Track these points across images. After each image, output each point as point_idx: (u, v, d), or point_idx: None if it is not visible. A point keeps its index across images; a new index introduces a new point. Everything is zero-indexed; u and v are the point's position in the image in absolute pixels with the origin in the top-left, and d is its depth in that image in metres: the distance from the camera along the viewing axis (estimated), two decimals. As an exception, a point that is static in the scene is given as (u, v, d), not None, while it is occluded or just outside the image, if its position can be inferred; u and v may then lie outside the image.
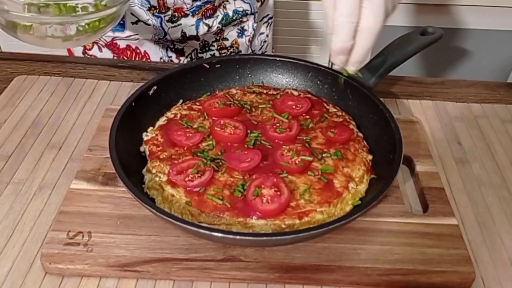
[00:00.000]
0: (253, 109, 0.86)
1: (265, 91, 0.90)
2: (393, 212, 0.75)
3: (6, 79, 1.03)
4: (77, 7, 0.73)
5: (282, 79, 0.94)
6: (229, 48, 1.24)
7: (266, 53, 1.28)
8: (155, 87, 0.84)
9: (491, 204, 0.80)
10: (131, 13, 1.10)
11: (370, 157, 0.78)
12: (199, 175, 0.71)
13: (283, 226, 0.66)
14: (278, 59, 0.93)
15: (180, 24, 1.13)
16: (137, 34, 1.14)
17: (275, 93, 0.90)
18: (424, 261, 0.68)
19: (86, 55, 1.20)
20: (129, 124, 0.78)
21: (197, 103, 0.87)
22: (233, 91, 0.90)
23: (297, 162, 0.73)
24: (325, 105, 0.87)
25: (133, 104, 0.80)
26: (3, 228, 0.72)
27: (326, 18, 0.70)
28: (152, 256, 0.67)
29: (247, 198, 0.68)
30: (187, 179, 0.71)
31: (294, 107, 0.85)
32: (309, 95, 0.89)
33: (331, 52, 0.70)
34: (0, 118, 0.92)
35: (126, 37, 1.14)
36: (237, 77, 0.93)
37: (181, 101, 0.88)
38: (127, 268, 0.66)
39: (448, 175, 0.85)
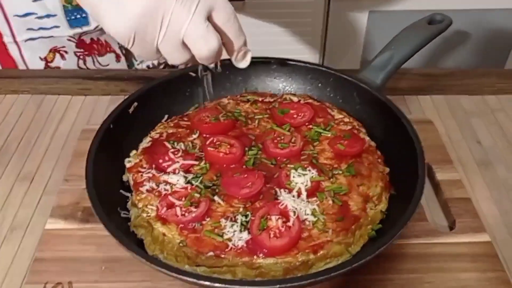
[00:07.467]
0: (249, 121, 0.76)
1: (260, 99, 0.80)
2: (418, 232, 0.66)
3: (-32, 101, 0.92)
4: None
5: (278, 83, 0.84)
6: None
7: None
8: (135, 104, 0.74)
9: (524, 212, 0.71)
10: None
11: (387, 170, 0.69)
12: (193, 207, 0.61)
13: (296, 263, 0.57)
14: (272, 61, 0.83)
15: None
16: None
17: (272, 100, 0.80)
18: (459, 290, 0.59)
19: (48, 68, 1.08)
20: (108, 150, 0.68)
21: (185, 119, 0.77)
22: (225, 101, 0.80)
23: (305, 183, 0.63)
24: (330, 111, 0.77)
25: (111, 126, 0.69)
26: (-30, 283, 0.62)
27: None
28: (145, 308, 0.58)
29: (252, 233, 0.58)
30: (179, 213, 0.61)
31: (295, 116, 0.75)
32: (310, 100, 0.79)
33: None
34: (-37, 147, 0.82)
35: (94, 29, 1.04)
36: (228, 84, 0.83)
37: (166, 116, 0.78)
38: (117, 325, 0.56)
39: (472, 182, 0.76)
